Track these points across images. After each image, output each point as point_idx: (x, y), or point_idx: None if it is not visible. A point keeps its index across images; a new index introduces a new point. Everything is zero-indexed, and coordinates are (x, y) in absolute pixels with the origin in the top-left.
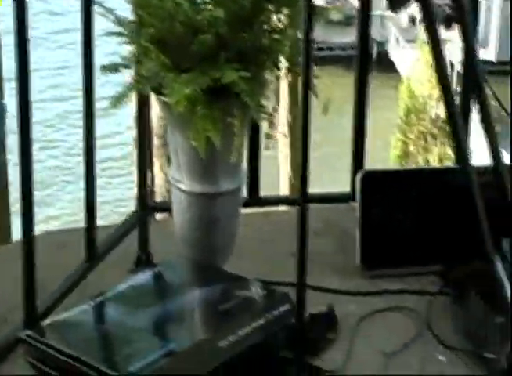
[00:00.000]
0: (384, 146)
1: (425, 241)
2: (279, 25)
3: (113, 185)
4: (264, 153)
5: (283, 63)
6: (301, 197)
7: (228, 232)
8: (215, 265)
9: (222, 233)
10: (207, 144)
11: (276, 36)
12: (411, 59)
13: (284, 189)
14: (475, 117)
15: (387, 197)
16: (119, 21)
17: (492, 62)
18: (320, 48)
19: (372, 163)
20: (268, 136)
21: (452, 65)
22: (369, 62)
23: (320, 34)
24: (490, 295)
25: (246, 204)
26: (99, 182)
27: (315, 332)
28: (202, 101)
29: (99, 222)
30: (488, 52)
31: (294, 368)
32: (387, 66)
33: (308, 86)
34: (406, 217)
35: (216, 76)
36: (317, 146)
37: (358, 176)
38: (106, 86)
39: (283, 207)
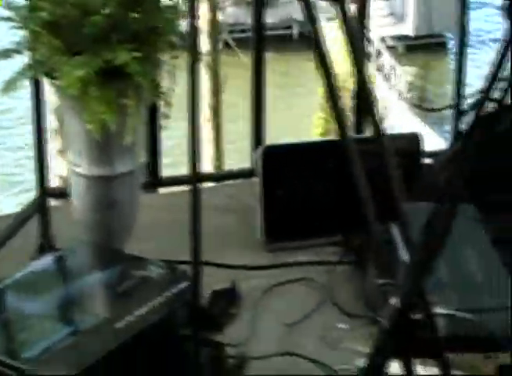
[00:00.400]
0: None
1: (326, 212)
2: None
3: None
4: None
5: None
6: (192, 176)
7: (127, 214)
8: (115, 248)
9: (121, 214)
10: (102, 126)
11: (169, 15)
12: (331, 37)
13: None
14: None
15: (287, 170)
16: (9, 6)
17: (410, 36)
18: (242, 31)
19: None
20: (166, 116)
21: (370, 41)
22: (263, 41)
23: (241, 15)
24: (386, 261)
25: (147, 186)
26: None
27: (218, 308)
28: (95, 83)
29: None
30: (406, 27)
31: (193, 345)
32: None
33: (194, 66)
34: (307, 189)
35: (108, 57)
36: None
37: (258, 151)
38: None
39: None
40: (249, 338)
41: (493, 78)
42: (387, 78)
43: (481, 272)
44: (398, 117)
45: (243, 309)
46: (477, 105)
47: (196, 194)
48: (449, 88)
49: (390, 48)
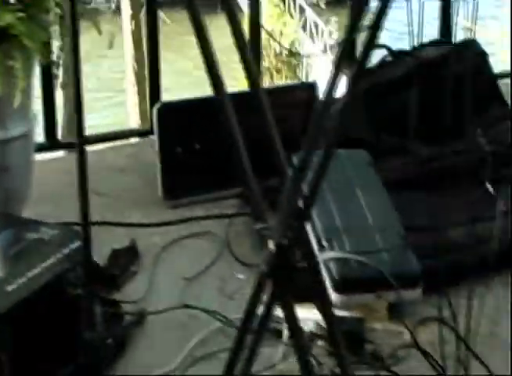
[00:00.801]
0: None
1: (224, 166)
2: None
3: None
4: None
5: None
6: (77, 139)
7: (22, 177)
8: (6, 212)
9: (16, 178)
10: None
11: None
12: None
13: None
14: None
15: (183, 126)
16: None
17: None
18: None
19: None
20: (57, 77)
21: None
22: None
23: None
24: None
25: (42, 148)
26: None
27: (117, 267)
28: None
29: None
30: None
31: (86, 304)
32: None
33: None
34: (204, 145)
35: None
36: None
37: (154, 109)
38: None
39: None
40: (148, 294)
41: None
42: (311, 34)
43: (373, 214)
44: (322, 71)
45: (144, 266)
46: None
47: (82, 157)
48: None
49: (313, 4)
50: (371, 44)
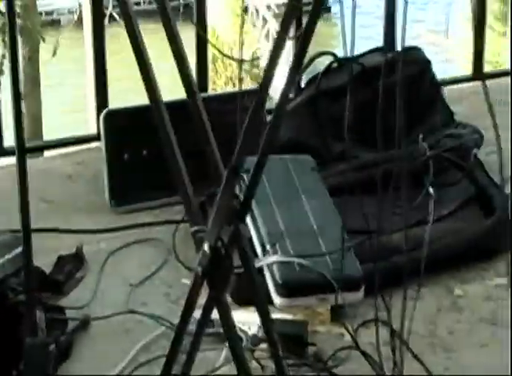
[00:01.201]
0: None
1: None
2: None
3: None
4: None
5: None
6: (17, 146)
7: None
8: None
9: None
10: None
11: None
12: (216, 8)
13: None
14: None
15: (132, 133)
16: None
17: None
18: (137, 3)
19: None
20: None
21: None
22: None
23: None
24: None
25: None
26: None
27: (63, 273)
28: None
29: None
30: None
31: (28, 309)
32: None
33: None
34: (151, 151)
35: None
36: None
37: (101, 116)
38: None
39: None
40: (94, 300)
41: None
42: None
43: (316, 219)
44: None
45: (90, 272)
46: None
47: (21, 163)
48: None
49: (276, 15)
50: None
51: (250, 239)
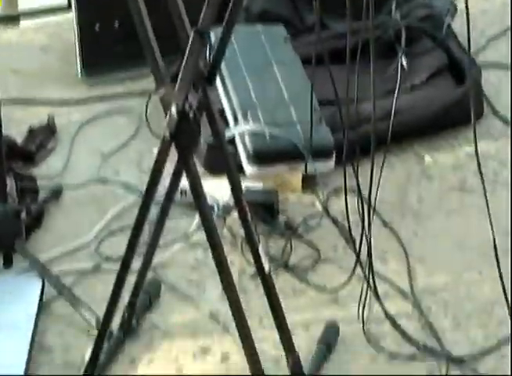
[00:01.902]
0: None
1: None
2: None
3: None
4: None
5: None
6: None
7: None
8: None
9: None
10: None
11: None
12: None
13: None
14: None
15: (103, 4)
16: None
17: None
18: None
19: None
20: None
21: None
22: None
23: None
24: None
25: None
26: None
27: (34, 143)
28: None
29: None
30: None
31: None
32: None
33: None
34: (123, 22)
35: None
36: None
37: None
38: None
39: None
40: (66, 170)
41: None
42: None
43: (288, 88)
44: None
45: (61, 143)
46: None
47: None
48: None
49: None
50: None
51: (222, 109)
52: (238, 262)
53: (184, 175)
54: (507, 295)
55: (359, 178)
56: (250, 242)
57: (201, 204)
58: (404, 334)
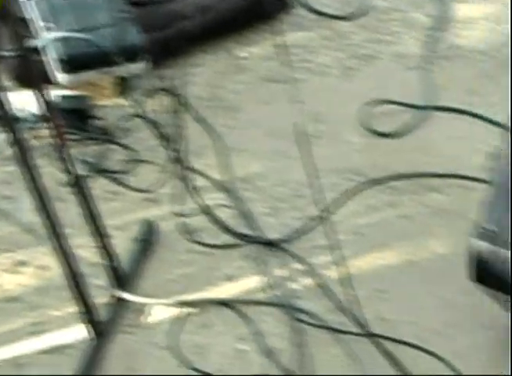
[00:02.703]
0: None
1: None
2: None
3: None
4: None
5: None
6: None
7: None
8: None
9: None
10: None
11: None
12: None
13: None
14: None
15: None
16: None
17: None
18: None
19: None
20: None
21: None
22: None
23: None
24: None
25: None
26: None
27: None
28: None
29: None
30: None
31: None
32: None
33: None
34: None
35: None
36: None
37: None
38: None
39: None
40: None
41: None
42: None
43: None
44: None
45: None
46: None
47: None
48: None
49: None
50: None
51: (29, 18)
52: (52, 171)
53: None
54: None
55: (174, 79)
56: (62, 150)
57: (8, 119)
58: (219, 223)
